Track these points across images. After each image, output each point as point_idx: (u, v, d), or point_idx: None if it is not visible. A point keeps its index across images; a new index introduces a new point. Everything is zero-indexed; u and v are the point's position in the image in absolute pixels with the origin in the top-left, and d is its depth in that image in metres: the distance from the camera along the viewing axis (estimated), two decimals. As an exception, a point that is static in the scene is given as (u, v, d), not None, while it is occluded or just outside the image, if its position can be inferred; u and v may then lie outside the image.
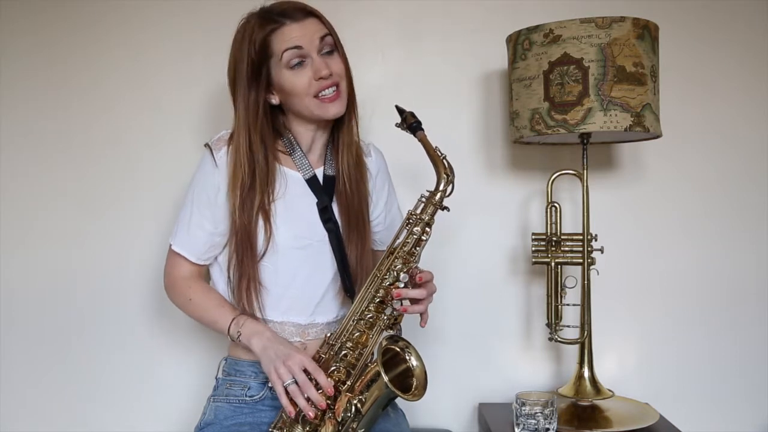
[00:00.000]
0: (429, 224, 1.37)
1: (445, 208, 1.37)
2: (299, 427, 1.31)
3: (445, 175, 1.35)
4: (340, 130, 1.49)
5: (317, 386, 1.29)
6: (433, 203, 1.36)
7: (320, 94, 1.39)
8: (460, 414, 1.89)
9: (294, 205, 1.44)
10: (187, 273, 1.47)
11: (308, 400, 1.28)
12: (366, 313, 1.34)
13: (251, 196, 1.39)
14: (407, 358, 1.33)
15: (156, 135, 1.86)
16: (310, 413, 1.28)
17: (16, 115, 1.87)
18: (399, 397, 1.28)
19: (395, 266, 1.34)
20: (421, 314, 1.37)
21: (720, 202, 1.90)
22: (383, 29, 1.88)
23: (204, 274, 1.51)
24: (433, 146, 1.37)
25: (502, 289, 1.88)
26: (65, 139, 1.87)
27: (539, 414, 1.47)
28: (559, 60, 1.53)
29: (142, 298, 1.85)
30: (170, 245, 1.47)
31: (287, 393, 1.29)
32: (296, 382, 1.29)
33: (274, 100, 1.42)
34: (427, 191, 1.37)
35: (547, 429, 1.47)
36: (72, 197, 1.87)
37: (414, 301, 1.35)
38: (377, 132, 1.81)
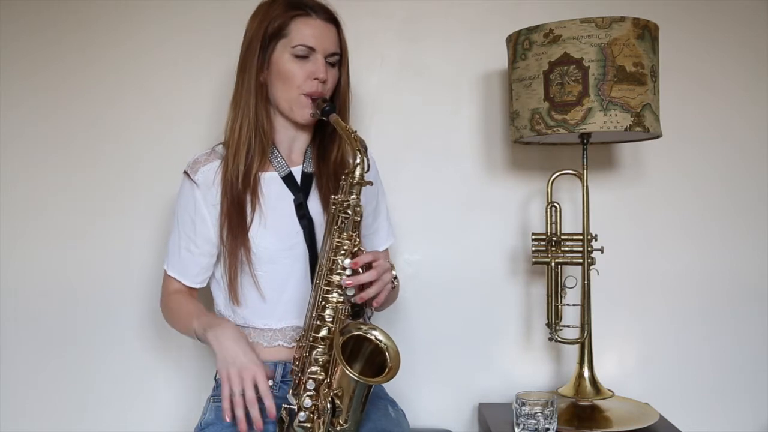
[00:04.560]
0: (358, 204, 1.32)
1: (368, 183, 1.34)
2: None
3: (358, 151, 1.32)
4: (326, 135, 1.50)
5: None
6: (354, 182, 1.33)
7: (310, 93, 1.42)
8: (460, 414, 1.88)
9: (273, 208, 1.45)
10: (176, 288, 1.50)
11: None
12: (325, 307, 1.31)
13: (252, 164, 1.43)
14: (373, 338, 1.31)
15: (156, 135, 1.86)
16: (242, 427, 1.26)
17: (16, 114, 1.87)
18: (371, 383, 1.27)
19: (338, 255, 1.31)
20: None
21: (720, 202, 1.90)
22: (383, 29, 1.88)
23: (197, 296, 1.52)
24: (346, 126, 1.35)
25: (502, 289, 1.88)
26: (64, 139, 1.87)
27: (539, 414, 1.47)
28: (559, 60, 1.53)
29: (142, 297, 1.85)
30: (165, 270, 1.51)
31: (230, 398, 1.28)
32: (243, 395, 1.27)
33: (262, 77, 1.45)
34: (346, 171, 1.35)
35: (547, 429, 1.47)
36: (71, 197, 1.87)
37: (367, 284, 1.30)
38: (377, 132, 1.82)
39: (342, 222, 1.32)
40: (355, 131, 1.35)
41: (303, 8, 1.42)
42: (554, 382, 1.87)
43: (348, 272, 1.30)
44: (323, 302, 1.32)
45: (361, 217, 1.33)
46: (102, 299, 1.86)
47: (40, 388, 1.87)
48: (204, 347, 1.84)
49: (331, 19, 1.45)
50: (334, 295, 1.31)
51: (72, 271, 1.87)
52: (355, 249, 1.31)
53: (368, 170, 1.34)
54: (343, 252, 1.31)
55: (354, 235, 1.32)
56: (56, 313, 1.87)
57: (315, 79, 1.41)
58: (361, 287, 1.30)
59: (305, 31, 1.41)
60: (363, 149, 1.33)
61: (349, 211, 1.32)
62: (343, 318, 1.32)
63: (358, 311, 1.36)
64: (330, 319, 1.31)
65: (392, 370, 1.27)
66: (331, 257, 1.31)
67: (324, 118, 1.39)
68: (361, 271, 1.31)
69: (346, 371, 1.23)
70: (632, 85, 1.52)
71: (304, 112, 1.43)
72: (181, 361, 1.87)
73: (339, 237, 1.32)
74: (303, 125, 1.49)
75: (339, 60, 1.47)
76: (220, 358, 1.31)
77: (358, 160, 1.33)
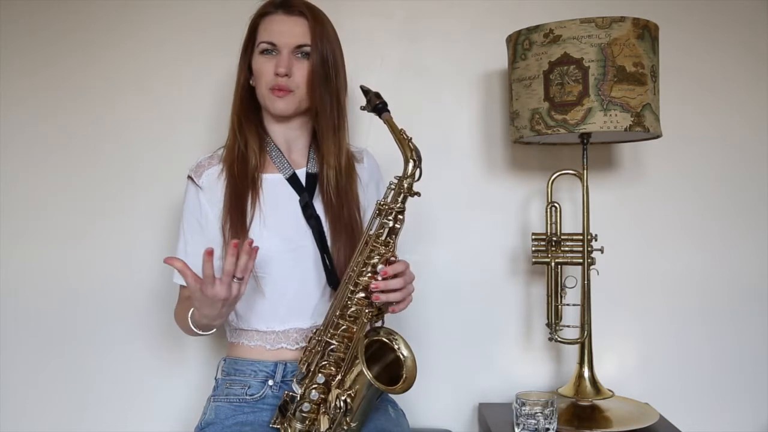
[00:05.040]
0: (401, 212, 1.32)
1: (416, 193, 1.32)
2: (298, 423, 1.32)
3: (411, 160, 1.30)
4: (324, 136, 1.49)
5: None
6: (403, 190, 1.32)
7: (273, 87, 1.44)
8: (460, 414, 1.89)
9: (277, 210, 1.45)
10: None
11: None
12: (348, 306, 1.32)
13: (250, 163, 1.45)
14: (395, 347, 1.33)
15: (156, 135, 1.86)
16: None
17: (16, 114, 1.87)
18: (387, 392, 1.27)
19: (371, 258, 1.32)
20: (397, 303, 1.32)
21: (720, 202, 1.90)
22: (383, 29, 1.88)
23: None
24: (399, 129, 1.32)
25: (502, 289, 1.88)
26: (65, 139, 1.87)
27: (539, 414, 1.47)
28: (559, 60, 1.53)
29: (142, 298, 1.85)
30: (175, 282, 1.50)
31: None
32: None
33: (252, 81, 1.49)
34: (396, 177, 1.33)
35: (547, 429, 1.47)
36: (71, 197, 1.86)
37: (392, 291, 1.30)
38: (377, 132, 1.81)
39: (381, 227, 1.32)
40: (411, 138, 1.32)
41: (271, 6, 1.47)
42: (554, 382, 1.87)
43: (379, 277, 1.30)
44: (348, 302, 1.32)
45: (401, 225, 1.33)
46: (102, 299, 1.86)
47: (40, 388, 1.87)
48: (206, 345, 1.85)
49: (299, 12, 1.45)
50: (360, 295, 1.31)
51: (72, 271, 1.86)
52: (389, 255, 1.32)
53: (418, 179, 1.32)
54: (377, 257, 1.31)
55: (391, 241, 1.32)
56: (56, 313, 1.87)
57: (275, 74, 1.43)
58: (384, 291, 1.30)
59: (268, 28, 1.45)
60: (417, 159, 1.31)
61: (391, 218, 1.32)
62: (366, 321, 1.32)
63: (376, 315, 1.36)
64: (352, 319, 1.32)
65: (408, 380, 1.29)
66: (364, 260, 1.32)
67: (376, 115, 1.37)
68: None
69: (366, 374, 1.24)
70: (632, 85, 1.52)
71: (272, 103, 1.45)
72: (181, 361, 1.86)
73: (375, 241, 1.32)
74: (297, 124, 1.50)
75: (309, 54, 1.46)
76: (204, 311, 1.28)
77: (410, 170, 1.31)
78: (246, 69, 1.49)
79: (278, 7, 1.46)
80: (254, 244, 1.40)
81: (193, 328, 1.37)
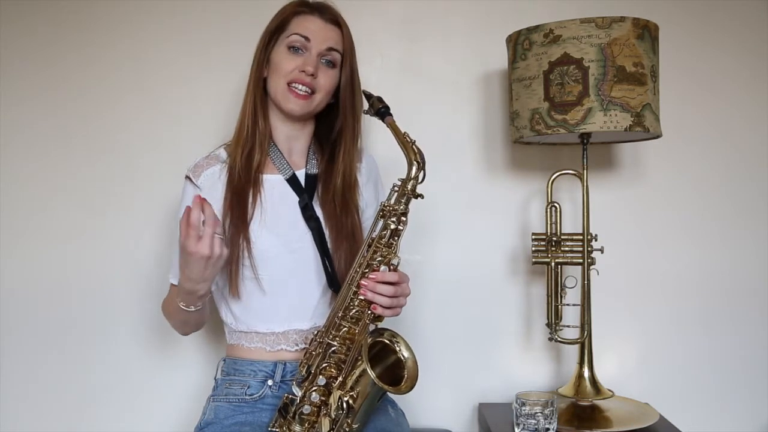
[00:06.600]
0: (404, 214, 1.33)
1: (419, 195, 1.33)
2: (297, 425, 1.32)
3: (415, 162, 1.31)
4: (343, 147, 1.49)
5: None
6: (406, 192, 1.32)
7: (292, 85, 1.43)
8: (460, 414, 1.89)
9: (276, 210, 1.44)
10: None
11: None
12: (350, 308, 1.32)
13: (253, 157, 1.44)
14: (396, 349, 1.33)
15: (156, 135, 1.86)
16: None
17: (16, 114, 1.87)
18: (390, 392, 1.27)
19: (374, 260, 1.32)
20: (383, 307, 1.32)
21: (720, 202, 1.90)
22: (383, 29, 1.88)
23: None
24: (403, 132, 1.33)
25: (502, 289, 1.88)
26: (65, 139, 1.87)
27: (539, 414, 1.47)
28: (559, 60, 1.53)
29: (142, 297, 1.85)
30: (171, 282, 1.49)
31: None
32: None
33: (265, 72, 1.48)
34: (399, 180, 1.34)
35: (547, 429, 1.47)
36: (71, 197, 1.87)
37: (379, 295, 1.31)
38: (376, 132, 1.82)
39: (384, 229, 1.32)
40: (414, 141, 1.33)
41: (307, 8, 1.47)
42: (554, 382, 1.87)
43: (372, 276, 1.30)
44: (350, 303, 1.32)
45: (404, 227, 1.33)
46: (102, 299, 1.86)
47: (40, 388, 1.87)
48: (206, 345, 1.85)
49: (334, 21, 1.47)
50: (363, 297, 1.31)
51: (72, 271, 1.86)
52: (392, 257, 1.32)
53: (422, 181, 1.32)
54: (379, 259, 1.31)
55: (393, 243, 1.32)
56: (56, 313, 1.87)
57: (302, 71, 1.42)
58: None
59: (303, 24, 1.45)
60: (421, 162, 1.32)
61: (394, 220, 1.32)
62: (368, 322, 1.32)
63: (378, 316, 1.36)
64: (353, 321, 1.32)
65: (410, 380, 1.29)
66: (367, 262, 1.32)
67: (379, 119, 1.37)
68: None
69: (370, 375, 1.24)
70: (632, 85, 1.52)
71: (286, 101, 1.44)
72: (181, 361, 1.86)
73: (378, 243, 1.32)
74: (300, 124, 1.50)
75: (341, 62, 1.47)
76: (191, 272, 1.29)
77: (413, 173, 1.32)
78: (264, 61, 1.47)
79: (314, 10, 1.47)
80: (253, 244, 1.40)
81: (181, 305, 1.36)
